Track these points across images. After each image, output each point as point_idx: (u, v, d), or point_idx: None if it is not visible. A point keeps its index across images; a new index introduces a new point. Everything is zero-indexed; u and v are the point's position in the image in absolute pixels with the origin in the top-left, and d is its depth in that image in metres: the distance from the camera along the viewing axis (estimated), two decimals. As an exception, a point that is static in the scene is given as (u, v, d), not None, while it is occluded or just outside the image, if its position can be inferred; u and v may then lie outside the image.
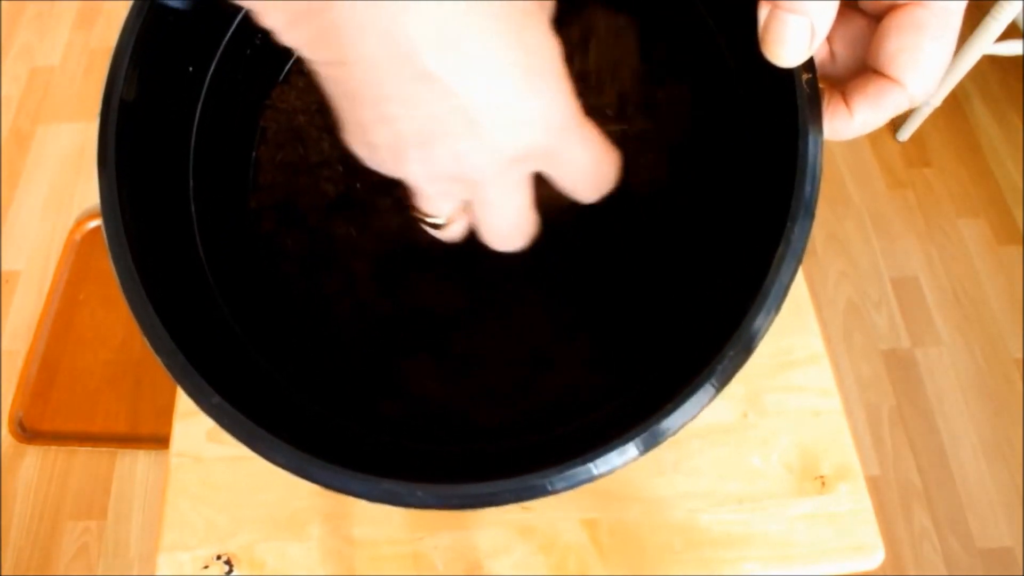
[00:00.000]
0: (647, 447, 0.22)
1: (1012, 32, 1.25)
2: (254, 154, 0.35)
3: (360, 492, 0.22)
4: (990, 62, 1.31)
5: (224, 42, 0.31)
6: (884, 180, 1.25)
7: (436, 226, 0.26)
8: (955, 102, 1.32)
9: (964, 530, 0.97)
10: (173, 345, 0.23)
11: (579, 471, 0.22)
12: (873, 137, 1.29)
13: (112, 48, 0.25)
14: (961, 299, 1.14)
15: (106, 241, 0.24)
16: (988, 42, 1.06)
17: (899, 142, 1.29)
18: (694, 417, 0.23)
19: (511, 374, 0.32)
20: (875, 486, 0.99)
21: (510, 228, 0.26)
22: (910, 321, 1.12)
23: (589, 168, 0.24)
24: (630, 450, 0.22)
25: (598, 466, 0.22)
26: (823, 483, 0.38)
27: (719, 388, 0.23)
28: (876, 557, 0.36)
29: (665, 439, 0.22)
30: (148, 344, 0.23)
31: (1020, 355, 1.09)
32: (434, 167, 0.22)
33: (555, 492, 0.22)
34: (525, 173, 0.24)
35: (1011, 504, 0.99)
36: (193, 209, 0.30)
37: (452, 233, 0.27)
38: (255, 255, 0.34)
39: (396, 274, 0.34)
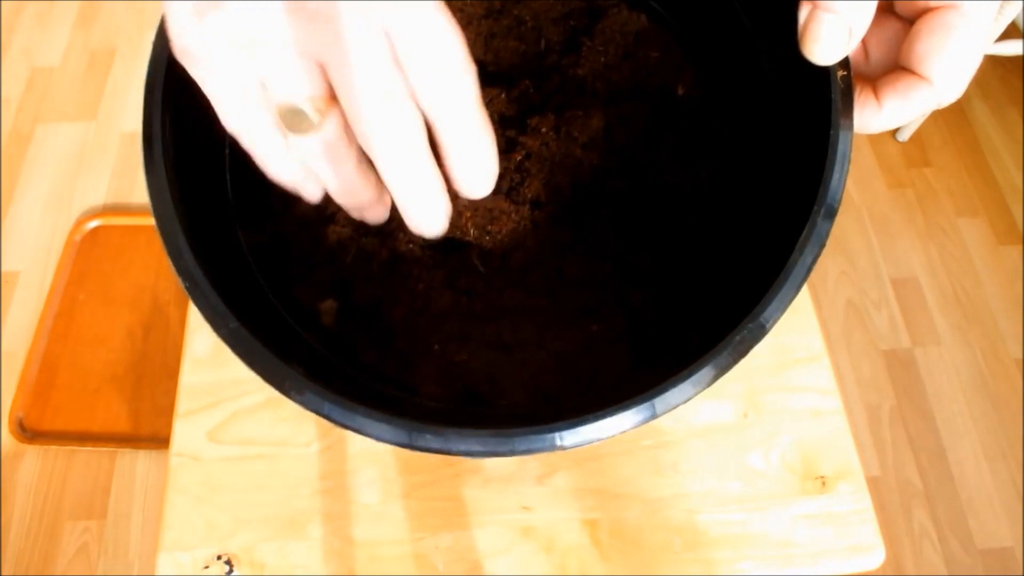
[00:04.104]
0: (658, 412, 0.23)
1: (1012, 32, 1.25)
2: None
3: (367, 430, 0.22)
4: (990, 62, 1.31)
5: None
6: (884, 180, 1.25)
7: (299, 123, 0.21)
8: (955, 102, 1.31)
9: (964, 530, 0.97)
10: (199, 269, 0.23)
11: (590, 428, 0.22)
12: (873, 137, 1.29)
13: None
14: (961, 299, 1.14)
15: (144, 166, 0.24)
16: (988, 42, 1.06)
17: (899, 142, 1.29)
18: (706, 387, 0.23)
19: (527, 351, 0.32)
20: (875, 486, 0.99)
21: (391, 119, 0.20)
22: (910, 321, 1.12)
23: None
24: (643, 412, 0.22)
25: (608, 426, 0.22)
26: (823, 483, 0.38)
27: (734, 360, 0.23)
28: (876, 557, 0.36)
29: (676, 406, 0.23)
30: (172, 267, 0.23)
31: (1020, 355, 1.09)
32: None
33: (564, 448, 0.22)
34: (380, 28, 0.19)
35: (1011, 504, 0.99)
36: (227, 152, 0.30)
37: (325, 139, 0.21)
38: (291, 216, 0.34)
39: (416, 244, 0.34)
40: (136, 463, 1.00)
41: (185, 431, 0.39)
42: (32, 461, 1.00)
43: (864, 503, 0.37)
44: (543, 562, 0.36)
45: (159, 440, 0.99)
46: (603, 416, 0.22)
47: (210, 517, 0.37)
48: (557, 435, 0.22)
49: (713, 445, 0.39)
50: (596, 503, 0.38)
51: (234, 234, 0.30)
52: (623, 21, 0.37)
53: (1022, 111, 1.31)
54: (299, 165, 0.23)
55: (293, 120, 0.21)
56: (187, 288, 0.23)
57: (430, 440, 0.22)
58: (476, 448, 0.22)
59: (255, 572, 0.36)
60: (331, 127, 0.21)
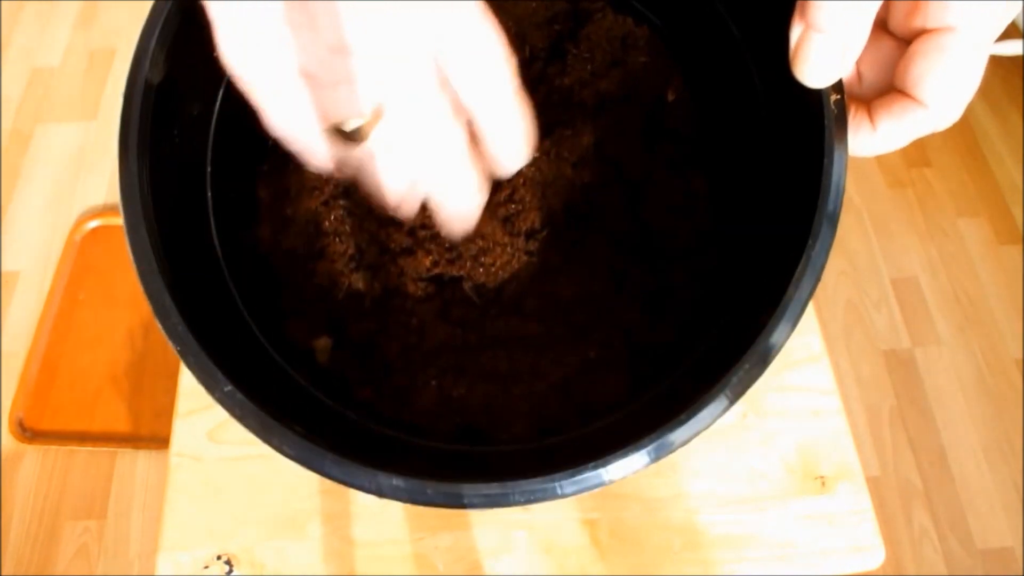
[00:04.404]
0: (658, 455, 0.23)
1: (1012, 32, 1.25)
2: (269, 143, 0.35)
3: (367, 487, 0.22)
4: (990, 62, 1.31)
5: None
6: (884, 179, 1.25)
7: (350, 135, 0.23)
8: (955, 102, 1.31)
9: (964, 530, 0.97)
10: (187, 331, 0.23)
11: (590, 476, 0.22)
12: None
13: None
14: (961, 299, 1.13)
15: (124, 226, 0.24)
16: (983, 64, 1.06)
17: (899, 142, 1.28)
18: (707, 427, 0.23)
19: (524, 381, 0.32)
20: (875, 486, 0.99)
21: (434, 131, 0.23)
22: (910, 321, 1.12)
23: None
24: (641, 458, 0.23)
25: (608, 472, 0.22)
26: (823, 483, 0.38)
27: (733, 400, 0.23)
28: (876, 557, 0.36)
29: (676, 448, 0.23)
30: (161, 329, 0.23)
31: (1020, 355, 1.09)
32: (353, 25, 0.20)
33: (565, 496, 0.22)
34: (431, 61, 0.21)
35: (1011, 504, 0.99)
36: (209, 195, 0.30)
37: (363, 154, 0.24)
38: (272, 248, 0.33)
39: (408, 273, 0.33)
40: (136, 463, 1.00)
41: (185, 431, 0.39)
42: (32, 461, 1.00)
43: (864, 503, 0.37)
44: (543, 562, 0.36)
45: (159, 440, 0.99)
46: (602, 465, 0.22)
47: (210, 517, 0.37)
48: (558, 485, 0.22)
49: (713, 445, 0.39)
50: (596, 503, 0.38)
51: (221, 277, 0.30)
52: (608, 25, 0.36)
53: (1022, 111, 1.30)
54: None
55: (338, 135, 0.23)
56: (178, 352, 0.23)
57: (431, 496, 0.22)
58: (477, 501, 0.22)
59: (255, 572, 0.36)
60: (371, 145, 0.23)
